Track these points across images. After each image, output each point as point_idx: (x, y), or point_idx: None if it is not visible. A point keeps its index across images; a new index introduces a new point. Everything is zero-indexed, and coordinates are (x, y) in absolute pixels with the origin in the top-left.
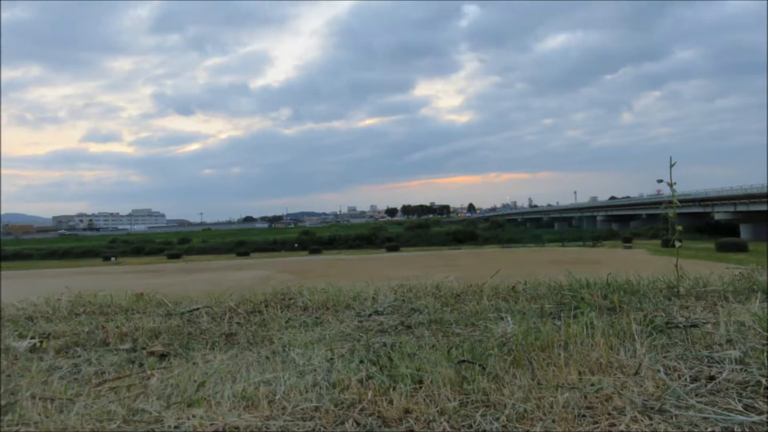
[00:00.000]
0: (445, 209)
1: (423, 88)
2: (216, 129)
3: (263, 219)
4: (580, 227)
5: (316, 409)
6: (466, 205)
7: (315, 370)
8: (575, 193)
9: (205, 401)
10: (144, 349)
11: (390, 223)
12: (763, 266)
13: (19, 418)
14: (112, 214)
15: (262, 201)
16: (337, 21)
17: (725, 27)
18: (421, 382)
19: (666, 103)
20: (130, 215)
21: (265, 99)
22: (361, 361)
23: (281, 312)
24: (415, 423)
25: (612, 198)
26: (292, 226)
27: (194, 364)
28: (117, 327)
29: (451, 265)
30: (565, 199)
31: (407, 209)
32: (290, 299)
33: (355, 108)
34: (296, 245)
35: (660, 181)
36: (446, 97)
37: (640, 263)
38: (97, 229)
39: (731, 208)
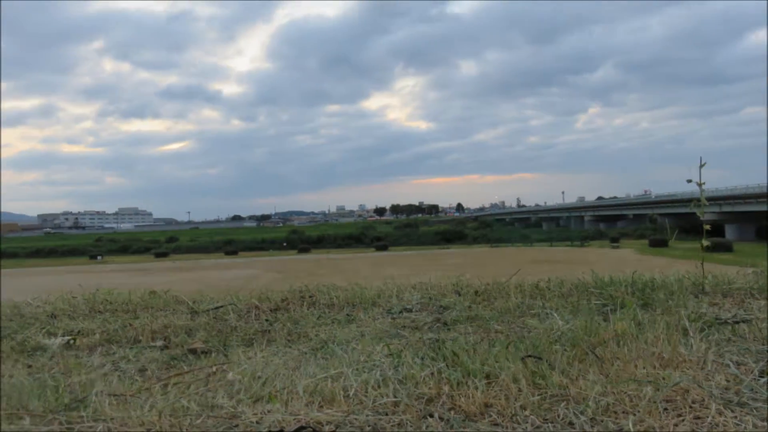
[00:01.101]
0: (433, 209)
1: (374, 100)
2: (181, 133)
3: (252, 218)
4: (568, 227)
5: (395, 404)
6: (453, 205)
7: (377, 366)
8: (563, 193)
9: (276, 396)
10: (183, 346)
11: (379, 223)
12: (762, 267)
13: (93, 414)
14: (98, 213)
15: (250, 200)
16: (276, 43)
17: (636, 46)
18: (488, 376)
19: (613, 110)
20: (116, 214)
21: (224, 108)
22: (422, 357)
23: (307, 309)
24: (498, 417)
25: (599, 198)
26: (281, 225)
27: (238, 359)
28: (146, 324)
29: (442, 264)
30: (553, 200)
31: (396, 209)
32: (310, 297)
33: (314, 117)
34: (285, 244)
35: (689, 181)
36: (398, 108)
37: (630, 262)
38: (83, 228)
39: (716, 209)
